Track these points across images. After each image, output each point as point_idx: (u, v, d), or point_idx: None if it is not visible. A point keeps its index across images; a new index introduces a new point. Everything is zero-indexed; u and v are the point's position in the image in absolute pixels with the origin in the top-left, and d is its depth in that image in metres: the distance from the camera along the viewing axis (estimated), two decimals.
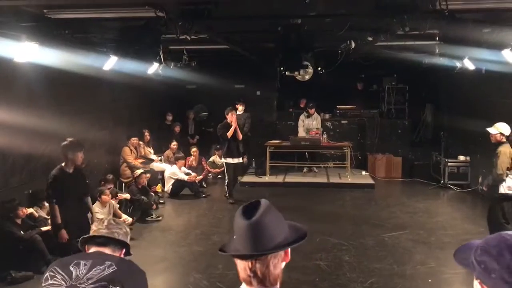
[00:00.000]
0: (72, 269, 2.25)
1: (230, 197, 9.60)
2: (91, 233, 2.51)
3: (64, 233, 5.33)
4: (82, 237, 2.54)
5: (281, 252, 1.61)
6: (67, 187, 5.35)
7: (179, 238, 7.60)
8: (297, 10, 5.54)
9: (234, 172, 9.71)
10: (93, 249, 2.47)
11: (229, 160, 9.55)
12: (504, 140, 6.21)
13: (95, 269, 2.23)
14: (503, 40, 6.53)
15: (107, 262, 2.26)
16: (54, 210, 5.34)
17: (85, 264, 2.25)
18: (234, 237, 1.63)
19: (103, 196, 7.33)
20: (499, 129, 6.22)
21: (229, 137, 9.36)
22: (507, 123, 6.37)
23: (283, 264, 1.64)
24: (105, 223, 2.54)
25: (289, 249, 1.64)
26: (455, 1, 4.42)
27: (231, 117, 9.38)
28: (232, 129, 9.29)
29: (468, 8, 5.01)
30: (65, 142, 5.45)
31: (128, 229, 2.64)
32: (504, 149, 6.13)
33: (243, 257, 1.59)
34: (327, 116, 12.93)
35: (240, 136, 9.54)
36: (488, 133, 6.34)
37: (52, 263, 2.43)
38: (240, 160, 9.79)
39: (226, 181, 9.70)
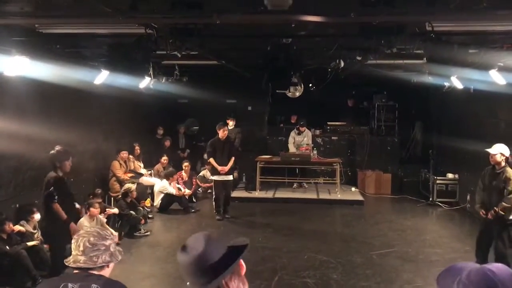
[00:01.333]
0: None
1: (217, 214, 9.55)
2: (70, 258, 2.39)
3: (74, 225, 5.38)
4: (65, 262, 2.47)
5: (231, 270, 1.66)
6: (62, 191, 5.49)
7: (167, 254, 7.54)
8: (287, 29, 5.61)
9: (226, 189, 9.61)
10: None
11: (217, 178, 9.47)
12: (504, 162, 6.07)
13: None
14: (489, 61, 6.65)
15: (94, 286, 2.24)
16: (57, 208, 5.43)
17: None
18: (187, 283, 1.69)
19: (91, 209, 7.27)
20: (498, 149, 6.10)
21: (212, 163, 9.35)
22: (492, 141, 6.39)
23: (243, 271, 1.72)
24: (81, 247, 2.37)
25: (241, 260, 1.71)
26: (441, 24, 4.51)
27: (222, 133, 9.37)
28: (219, 169, 9.28)
29: (454, 30, 5.10)
30: (53, 151, 5.57)
31: (112, 236, 2.55)
32: None
33: None
34: (317, 132, 13.00)
35: (231, 162, 9.46)
36: (487, 154, 6.28)
37: (41, 284, 2.41)
38: (230, 177, 9.66)
39: (214, 197, 9.66)
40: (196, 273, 1.62)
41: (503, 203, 5.96)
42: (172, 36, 4.32)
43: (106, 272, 2.43)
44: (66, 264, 2.41)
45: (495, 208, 6.01)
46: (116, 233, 7.53)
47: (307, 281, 6.23)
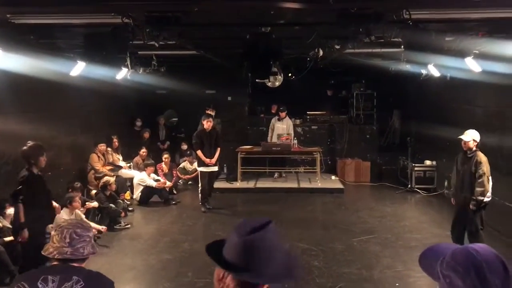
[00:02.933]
0: (40, 286, 2.19)
1: (203, 206, 9.49)
2: (52, 250, 2.35)
3: (25, 233, 5.26)
4: (43, 254, 2.43)
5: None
6: (36, 189, 5.31)
7: (148, 246, 7.50)
8: (266, 18, 5.58)
9: (210, 180, 9.59)
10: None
11: (203, 169, 9.40)
12: (476, 148, 6.25)
13: (63, 286, 2.19)
14: (465, 48, 6.74)
15: (75, 277, 2.22)
16: (19, 209, 5.30)
17: (53, 281, 2.20)
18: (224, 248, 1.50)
19: (74, 203, 7.17)
20: (471, 136, 6.27)
21: (199, 155, 9.28)
22: (470, 128, 6.52)
23: None
24: (67, 239, 2.34)
25: None
26: (418, 11, 4.54)
27: (208, 124, 9.30)
28: (207, 162, 9.22)
29: (431, 18, 5.13)
30: (25, 147, 5.38)
31: (91, 228, 2.54)
32: (484, 158, 6.15)
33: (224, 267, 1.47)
34: (297, 121, 13.04)
35: (217, 153, 9.41)
36: (460, 140, 6.41)
37: (18, 277, 2.37)
38: (216, 168, 9.62)
39: (200, 189, 9.58)
40: (235, 252, 1.44)
41: (476, 188, 6.13)
42: (149, 25, 4.25)
43: (84, 264, 2.41)
44: (49, 256, 2.37)
45: (473, 197, 6.15)
46: (100, 227, 7.49)
47: None
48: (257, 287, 1.47)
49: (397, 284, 5.90)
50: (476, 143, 6.26)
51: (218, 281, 1.51)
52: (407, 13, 4.01)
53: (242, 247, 1.43)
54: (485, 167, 6.13)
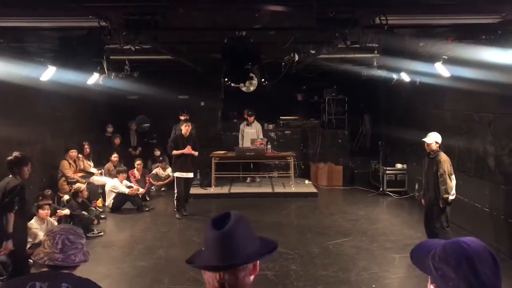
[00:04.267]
0: None
1: (178, 212, 9.36)
2: (43, 256, 2.27)
3: (10, 244, 5.12)
4: (33, 259, 2.35)
5: (250, 265, 1.57)
6: (22, 199, 5.29)
7: (122, 253, 7.37)
8: (242, 22, 5.60)
9: (186, 186, 9.48)
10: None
11: (179, 175, 9.28)
12: (439, 149, 6.51)
13: None
14: (435, 53, 6.93)
15: (64, 285, 2.15)
16: (10, 219, 5.14)
17: (41, 287, 2.13)
18: (203, 248, 1.58)
19: (40, 211, 6.98)
20: (434, 138, 6.52)
21: (177, 154, 9.18)
22: (438, 131, 6.73)
23: (252, 277, 1.60)
24: (59, 245, 2.27)
25: (258, 262, 1.61)
26: (392, 17, 4.64)
27: (186, 128, 9.23)
28: (181, 152, 9.11)
29: (403, 23, 5.26)
30: (10, 157, 5.30)
31: (83, 235, 2.48)
32: (444, 157, 6.42)
33: (211, 269, 1.54)
34: (270, 126, 13.09)
35: (196, 153, 9.35)
36: (424, 143, 6.63)
37: (4, 284, 2.29)
38: (191, 174, 9.50)
39: (176, 195, 9.41)
40: (221, 248, 1.52)
41: (440, 186, 6.36)
42: (127, 28, 4.19)
43: (74, 272, 2.35)
44: (39, 261, 2.29)
45: (442, 196, 6.35)
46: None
47: (266, 273, 6.26)
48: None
49: (373, 286, 5.96)
50: (438, 145, 6.53)
51: (218, 282, 1.53)
52: (384, 18, 4.10)
53: (224, 238, 1.52)
54: (445, 165, 6.37)
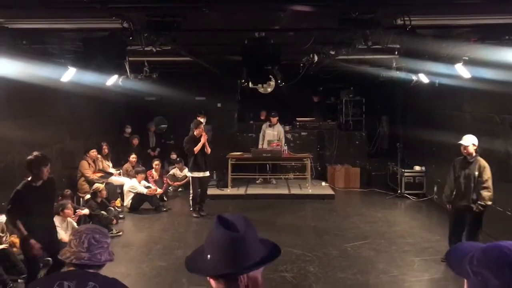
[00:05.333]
0: None
1: (194, 211, 9.44)
2: (70, 255, 2.31)
3: (34, 242, 5.07)
4: (60, 259, 2.38)
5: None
6: (32, 201, 5.14)
7: (141, 253, 7.42)
8: (261, 23, 5.61)
9: (202, 186, 9.53)
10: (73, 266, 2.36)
11: (196, 174, 9.35)
12: (476, 152, 6.28)
13: None
14: (456, 54, 6.83)
15: (91, 284, 2.17)
16: (17, 224, 5.12)
17: (69, 286, 2.16)
18: (209, 256, 1.52)
19: (66, 211, 7.09)
20: (471, 140, 6.29)
21: (196, 152, 9.23)
22: (458, 133, 6.60)
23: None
24: (86, 244, 2.30)
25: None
26: (414, 17, 4.59)
27: (199, 131, 9.28)
28: (200, 145, 9.16)
29: (425, 24, 5.22)
30: (30, 157, 5.26)
31: (109, 235, 2.51)
32: (485, 162, 6.21)
33: (230, 276, 1.51)
34: (287, 127, 13.07)
35: (209, 150, 9.39)
36: (455, 145, 6.45)
37: (34, 283, 2.32)
38: (207, 173, 9.57)
39: (191, 195, 9.52)
40: (230, 251, 1.49)
41: (484, 192, 6.14)
42: (148, 30, 4.22)
43: (100, 271, 2.37)
44: (66, 260, 2.32)
45: (480, 202, 6.16)
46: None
47: (285, 275, 6.25)
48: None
49: None
50: (475, 147, 6.32)
51: (244, 286, 1.52)
52: (406, 18, 4.06)
53: (240, 242, 1.48)
54: (489, 171, 6.20)
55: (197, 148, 9.18)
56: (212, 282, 1.54)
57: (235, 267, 1.48)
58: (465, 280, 1.40)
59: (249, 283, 1.51)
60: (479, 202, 6.17)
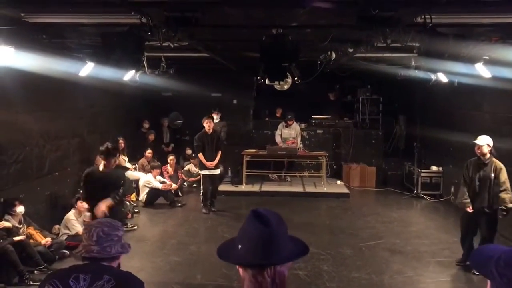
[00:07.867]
0: (71, 283, 2.17)
1: (204, 207, 9.48)
2: (81, 248, 2.35)
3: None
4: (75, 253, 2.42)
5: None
6: (97, 186, 5.66)
7: (156, 248, 7.47)
8: (279, 20, 5.57)
9: (213, 183, 9.58)
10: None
11: (205, 172, 9.40)
12: (489, 153, 6.16)
13: (94, 285, 2.17)
14: (477, 53, 6.72)
15: (106, 277, 2.19)
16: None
17: (84, 279, 2.18)
18: (240, 246, 1.58)
19: (79, 203, 7.18)
20: (485, 140, 6.18)
21: (202, 153, 9.27)
22: (477, 134, 6.49)
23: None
24: (94, 237, 2.32)
25: None
26: (435, 15, 4.52)
27: (206, 122, 9.29)
28: (207, 165, 9.26)
29: (446, 22, 5.13)
30: (102, 147, 5.86)
31: (122, 228, 2.53)
32: (501, 164, 6.10)
33: (257, 266, 1.55)
34: (302, 125, 13.01)
35: (217, 159, 9.40)
36: (472, 146, 6.34)
37: (50, 275, 2.34)
38: (217, 171, 9.60)
39: (202, 191, 9.58)
40: (260, 244, 1.53)
41: (503, 195, 6.02)
42: (167, 25, 4.23)
43: (115, 264, 2.38)
44: (78, 254, 2.35)
45: (501, 206, 6.03)
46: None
47: (298, 273, 6.24)
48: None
49: None
50: (490, 148, 6.19)
51: (270, 277, 1.54)
52: (427, 16, 4.00)
53: (272, 236, 1.54)
54: (505, 173, 6.09)
55: (201, 157, 9.28)
56: (241, 270, 1.60)
57: (263, 259, 1.53)
58: (488, 282, 1.41)
59: (275, 276, 1.55)
60: (500, 206, 6.04)
